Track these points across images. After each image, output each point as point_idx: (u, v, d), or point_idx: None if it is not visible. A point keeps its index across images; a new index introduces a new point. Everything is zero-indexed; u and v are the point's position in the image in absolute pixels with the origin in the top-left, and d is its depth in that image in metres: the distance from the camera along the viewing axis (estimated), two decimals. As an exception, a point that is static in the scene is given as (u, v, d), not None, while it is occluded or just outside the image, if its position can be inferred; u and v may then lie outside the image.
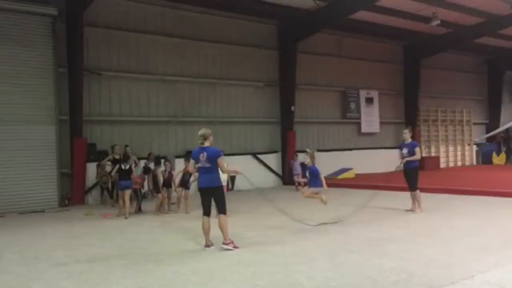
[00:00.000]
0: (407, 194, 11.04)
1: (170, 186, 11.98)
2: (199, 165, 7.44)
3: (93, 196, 14.28)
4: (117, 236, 9.00)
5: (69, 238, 8.90)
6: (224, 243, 7.35)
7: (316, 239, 8.04)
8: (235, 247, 7.34)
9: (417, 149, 10.62)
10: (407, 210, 10.74)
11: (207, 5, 16.48)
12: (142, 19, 15.91)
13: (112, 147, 13.71)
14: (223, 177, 8.20)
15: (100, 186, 13.99)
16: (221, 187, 7.53)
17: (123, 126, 15.50)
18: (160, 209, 11.71)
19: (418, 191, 10.59)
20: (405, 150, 10.67)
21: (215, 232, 7.51)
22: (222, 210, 7.40)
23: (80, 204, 13.82)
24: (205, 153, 7.38)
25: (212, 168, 7.38)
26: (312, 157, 9.62)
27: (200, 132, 7.60)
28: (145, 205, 12.41)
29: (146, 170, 12.87)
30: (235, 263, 6.52)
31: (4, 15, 13.12)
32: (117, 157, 13.44)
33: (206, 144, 7.51)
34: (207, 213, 7.51)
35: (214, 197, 7.45)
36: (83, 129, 14.14)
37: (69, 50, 13.99)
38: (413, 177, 10.65)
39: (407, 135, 10.83)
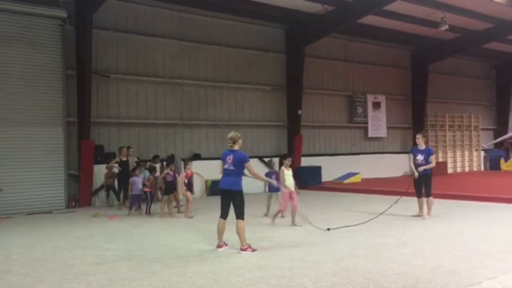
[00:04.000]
0: (414, 199, 10.97)
1: (175, 189, 11.96)
2: (225, 166, 7.50)
3: (100, 198, 14.34)
4: (124, 238, 9.02)
5: (75, 239, 8.94)
6: (241, 249, 7.38)
7: (322, 243, 8.02)
8: (253, 250, 7.36)
9: (432, 157, 10.42)
10: (413, 216, 10.68)
11: (215, 8, 16.53)
12: (151, 23, 15.99)
13: (120, 149, 13.76)
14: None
15: (105, 188, 14.03)
16: (241, 191, 7.52)
17: (131, 129, 15.56)
18: (163, 212, 11.69)
19: (431, 198, 10.46)
20: (420, 157, 10.44)
21: (227, 234, 7.61)
22: (240, 215, 7.43)
23: (87, 206, 13.85)
24: (232, 156, 7.45)
25: (235, 171, 7.43)
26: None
27: (229, 135, 7.65)
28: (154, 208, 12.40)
29: (150, 169, 12.93)
30: (241, 266, 6.52)
31: (14, 17, 13.23)
32: (124, 159, 13.49)
33: (236, 147, 7.54)
34: (224, 215, 7.57)
35: (233, 201, 7.49)
36: (91, 131, 14.19)
37: (78, 53, 14.08)
38: (427, 184, 10.47)
39: (420, 140, 10.61)
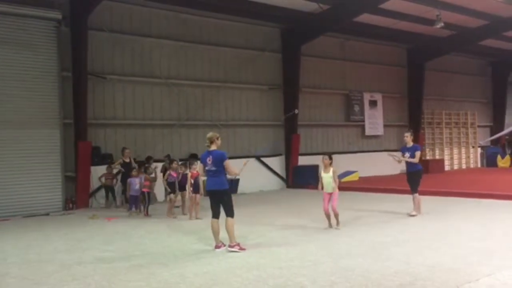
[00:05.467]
0: (410, 197, 10.98)
1: (184, 190, 11.84)
2: (207, 168, 7.59)
3: (98, 200, 14.30)
4: (122, 239, 9.01)
5: (73, 241, 8.92)
6: (230, 246, 7.44)
7: (320, 242, 8.03)
8: (241, 249, 7.40)
9: (417, 153, 10.59)
10: (411, 214, 10.68)
11: (211, 8, 16.49)
12: (147, 23, 15.95)
13: (122, 150, 13.68)
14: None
15: (104, 189, 13.99)
16: (228, 190, 7.63)
17: (128, 130, 15.53)
18: (169, 212, 11.65)
19: (417, 194, 10.54)
20: (407, 154, 10.65)
21: (223, 234, 7.61)
22: (229, 213, 7.51)
23: (84, 207, 13.80)
24: (211, 157, 7.53)
25: (218, 171, 7.51)
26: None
27: (207, 135, 7.78)
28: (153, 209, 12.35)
29: (146, 170, 12.86)
30: (239, 266, 6.52)
31: (9, 19, 13.16)
32: (127, 160, 13.44)
33: (213, 147, 7.65)
34: (216, 215, 7.63)
35: (221, 200, 7.56)
36: (88, 133, 14.13)
37: (73, 54, 14.02)
38: (415, 180, 10.61)
39: (408, 139, 10.83)
